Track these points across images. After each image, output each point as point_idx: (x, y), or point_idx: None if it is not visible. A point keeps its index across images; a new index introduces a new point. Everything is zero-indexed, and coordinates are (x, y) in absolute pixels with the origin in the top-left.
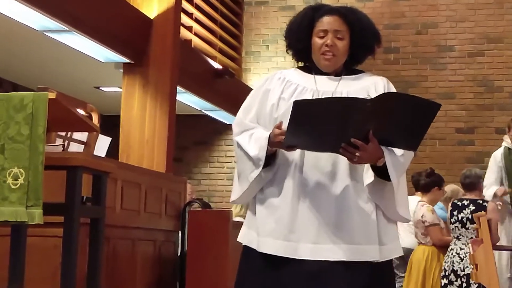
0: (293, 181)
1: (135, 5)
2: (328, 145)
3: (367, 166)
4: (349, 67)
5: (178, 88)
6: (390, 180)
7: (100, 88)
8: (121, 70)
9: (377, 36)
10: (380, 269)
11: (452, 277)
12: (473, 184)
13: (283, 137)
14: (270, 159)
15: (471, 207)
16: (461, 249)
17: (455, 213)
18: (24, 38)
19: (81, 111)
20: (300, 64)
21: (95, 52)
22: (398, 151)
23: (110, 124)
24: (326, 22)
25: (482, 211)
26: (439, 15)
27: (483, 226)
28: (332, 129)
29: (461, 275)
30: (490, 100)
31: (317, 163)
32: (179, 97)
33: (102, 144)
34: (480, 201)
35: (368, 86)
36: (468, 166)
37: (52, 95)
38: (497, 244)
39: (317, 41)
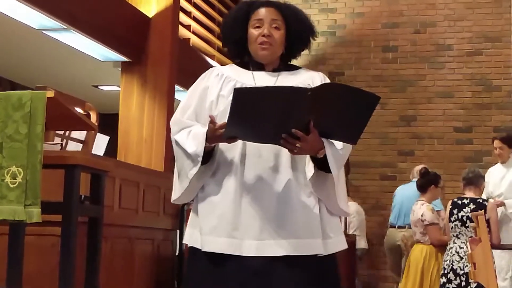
0: (234, 177)
1: (133, 4)
2: (269, 136)
3: (308, 159)
4: (286, 62)
5: (177, 87)
6: (331, 172)
7: (98, 86)
8: (120, 69)
9: (312, 28)
10: (324, 263)
11: (451, 275)
12: (474, 181)
13: (223, 130)
14: (209, 156)
15: (471, 206)
16: (460, 247)
17: (454, 211)
18: (22, 37)
19: (79, 110)
20: (236, 61)
21: (93, 50)
22: (338, 144)
23: (108, 123)
24: (262, 13)
25: (481, 210)
26: (437, 14)
27: (481, 225)
28: (273, 119)
29: (460, 274)
30: (488, 99)
31: (259, 157)
32: (178, 95)
33: (100, 143)
34: (480, 200)
35: (306, 80)
36: (466, 165)
37: (50, 93)
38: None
39: (253, 32)
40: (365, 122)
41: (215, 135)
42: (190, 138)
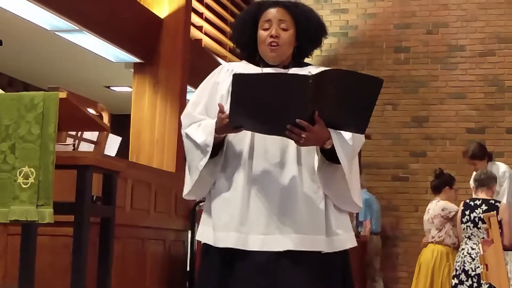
0: (243, 172)
1: (145, 5)
2: (274, 126)
3: (316, 153)
4: (297, 61)
5: (188, 88)
6: (340, 163)
7: (111, 87)
8: (132, 70)
9: (322, 27)
10: (331, 260)
11: (463, 277)
12: (487, 182)
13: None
14: (218, 148)
15: (484, 207)
16: (472, 249)
17: (467, 212)
18: (34, 38)
19: (91, 111)
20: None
21: (106, 51)
22: (346, 135)
23: (120, 124)
24: (270, 13)
25: (494, 211)
26: (450, 15)
27: (493, 226)
28: (275, 107)
29: (472, 275)
30: (501, 100)
31: (266, 152)
32: (189, 96)
33: (112, 144)
34: (493, 201)
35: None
36: None
37: (62, 94)
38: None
39: (262, 33)
40: (371, 108)
41: (222, 125)
42: (200, 129)
